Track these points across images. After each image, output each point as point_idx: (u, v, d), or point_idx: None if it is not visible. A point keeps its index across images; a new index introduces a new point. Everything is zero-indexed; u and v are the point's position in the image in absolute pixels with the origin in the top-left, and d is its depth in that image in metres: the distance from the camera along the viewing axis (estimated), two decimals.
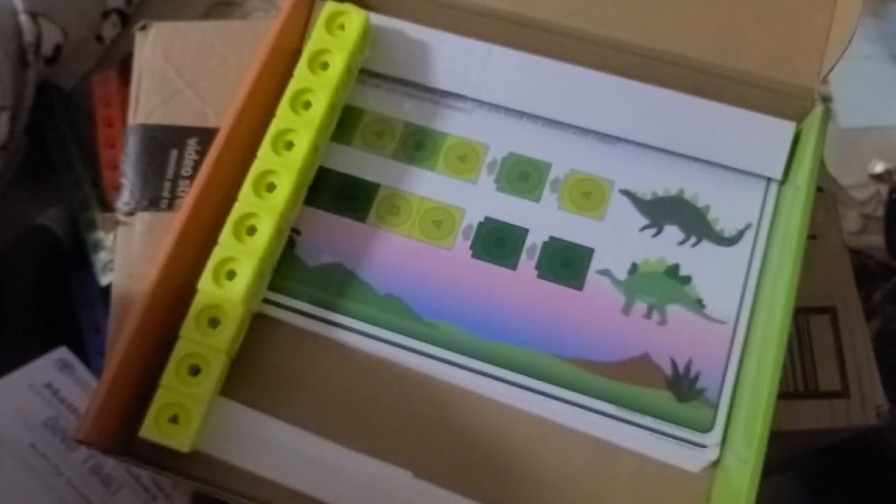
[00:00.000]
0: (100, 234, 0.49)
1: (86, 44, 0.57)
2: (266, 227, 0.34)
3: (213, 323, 0.34)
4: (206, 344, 0.33)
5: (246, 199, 0.35)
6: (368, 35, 0.39)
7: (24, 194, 0.53)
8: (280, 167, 0.35)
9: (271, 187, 0.35)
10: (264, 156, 0.36)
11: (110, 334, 0.40)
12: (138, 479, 0.41)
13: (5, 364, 0.42)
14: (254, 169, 0.35)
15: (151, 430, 0.32)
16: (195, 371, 0.33)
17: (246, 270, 0.34)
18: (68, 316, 0.49)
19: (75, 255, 0.49)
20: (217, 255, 0.34)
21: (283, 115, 0.36)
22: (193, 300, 0.34)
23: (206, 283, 0.34)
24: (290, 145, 0.36)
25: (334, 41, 0.37)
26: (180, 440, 0.32)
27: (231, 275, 0.34)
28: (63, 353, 0.43)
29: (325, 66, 0.37)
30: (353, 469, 0.33)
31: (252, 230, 0.35)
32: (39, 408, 0.41)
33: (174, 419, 0.33)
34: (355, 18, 0.38)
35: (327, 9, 0.38)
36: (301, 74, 0.37)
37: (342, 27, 0.38)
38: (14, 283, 0.48)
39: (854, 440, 0.42)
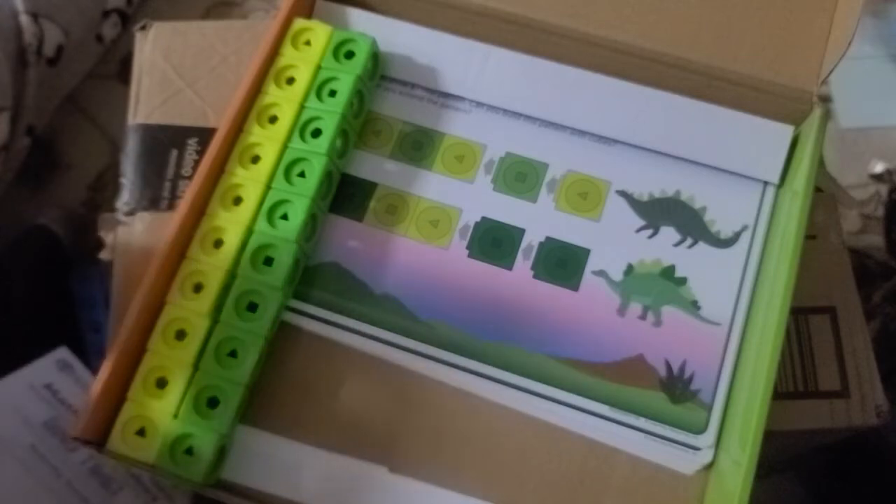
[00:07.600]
0: (100, 233, 0.49)
1: (86, 44, 0.58)
2: (233, 241, 0.34)
3: (180, 336, 0.33)
4: (171, 356, 0.33)
5: (213, 212, 0.35)
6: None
7: (24, 194, 0.54)
8: (247, 181, 0.35)
9: (238, 200, 0.35)
10: (232, 169, 0.36)
11: (110, 334, 0.40)
12: (138, 480, 0.41)
13: (5, 364, 0.42)
14: (222, 182, 0.35)
15: (117, 443, 0.32)
16: (162, 384, 0.33)
17: (213, 283, 0.34)
18: (68, 316, 0.49)
19: (75, 255, 0.49)
20: (185, 268, 0.34)
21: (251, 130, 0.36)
22: (161, 313, 0.34)
23: (173, 297, 0.34)
24: (256, 159, 0.36)
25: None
26: (146, 453, 0.32)
27: (198, 288, 0.34)
28: (63, 353, 0.44)
29: (290, 81, 0.37)
30: (333, 467, 0.33)
31: (219, 243, 0.35)
32: (39, 409, 0.41)
33: (141, 432, 0.32)
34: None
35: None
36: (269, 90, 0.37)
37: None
38: (14, 284, 0.48)
39: (854, 440, 0.42)
